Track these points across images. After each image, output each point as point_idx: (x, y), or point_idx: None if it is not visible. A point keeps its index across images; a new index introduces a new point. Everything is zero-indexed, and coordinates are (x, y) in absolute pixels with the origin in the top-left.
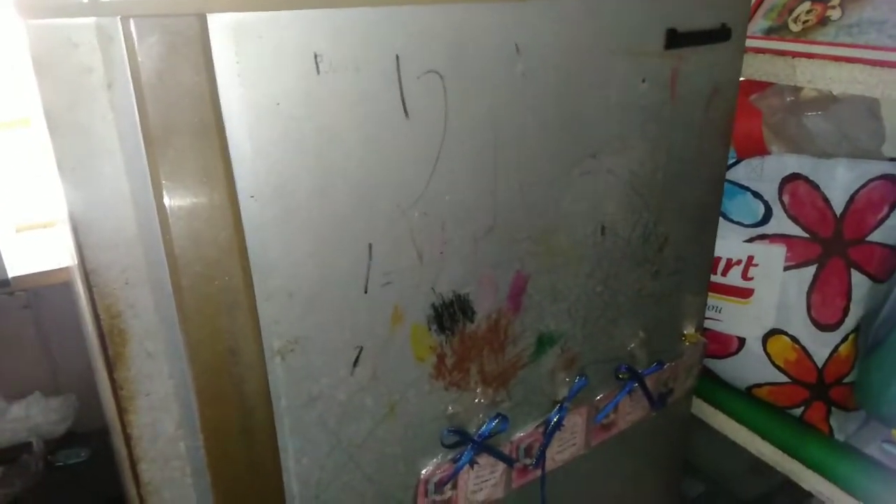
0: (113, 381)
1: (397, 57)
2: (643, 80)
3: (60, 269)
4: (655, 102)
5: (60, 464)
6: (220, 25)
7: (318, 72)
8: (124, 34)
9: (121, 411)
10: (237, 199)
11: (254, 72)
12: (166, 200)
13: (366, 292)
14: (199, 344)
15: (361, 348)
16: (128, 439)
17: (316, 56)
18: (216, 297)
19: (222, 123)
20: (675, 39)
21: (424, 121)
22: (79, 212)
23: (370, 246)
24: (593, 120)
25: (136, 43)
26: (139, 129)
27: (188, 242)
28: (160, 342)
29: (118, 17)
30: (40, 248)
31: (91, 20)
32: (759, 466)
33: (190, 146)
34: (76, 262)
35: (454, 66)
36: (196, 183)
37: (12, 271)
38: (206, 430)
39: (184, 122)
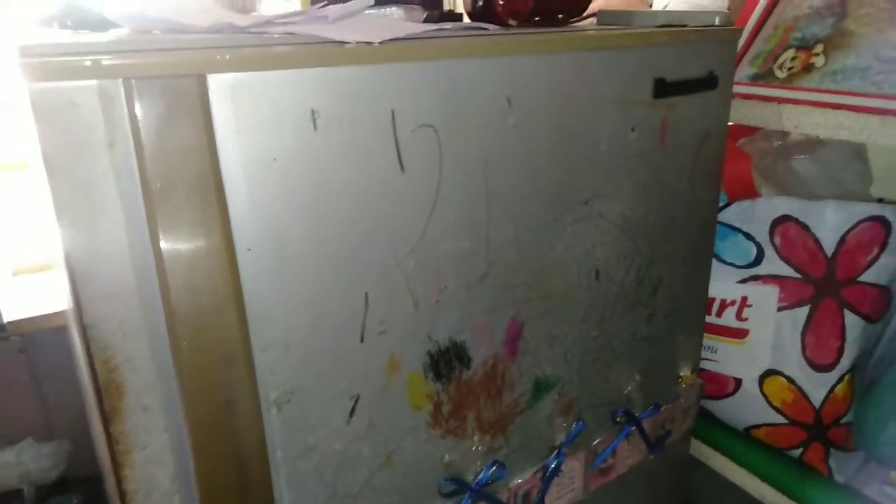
0: (109, 435)
1: (392, 112)
2: (632, 129)
3: (56, 314)
4: (645, 149)
5: None
6: (219, 85)
7: (315, 128)
8: (125, 95)
9: (116, 466)
10: (234, 250)
11: (252, 128)
12: (164, 253)
13: (362, 341)
14: (196, 396)
15: (358, 397)
16: (123, 495)
17: (313, 112)
18: (213, 348)
19: (220, 178)
20: (664, 89)
21: (419, 173)
22: (77, 264)
23: (366, 295)
24: (584, 168)
25: (136, 103)
26: (139, 184)
27: (185, 294)
28: (156, 395)
29: (119, 80)
30: (36, 292)
31: (93, 83)
32: None
33: (188, 200)
34: (73, 312)
35: (448, 119)
36: (194, 235)
37: (8, 315)
38: (202, 485)
39: (182, 177)
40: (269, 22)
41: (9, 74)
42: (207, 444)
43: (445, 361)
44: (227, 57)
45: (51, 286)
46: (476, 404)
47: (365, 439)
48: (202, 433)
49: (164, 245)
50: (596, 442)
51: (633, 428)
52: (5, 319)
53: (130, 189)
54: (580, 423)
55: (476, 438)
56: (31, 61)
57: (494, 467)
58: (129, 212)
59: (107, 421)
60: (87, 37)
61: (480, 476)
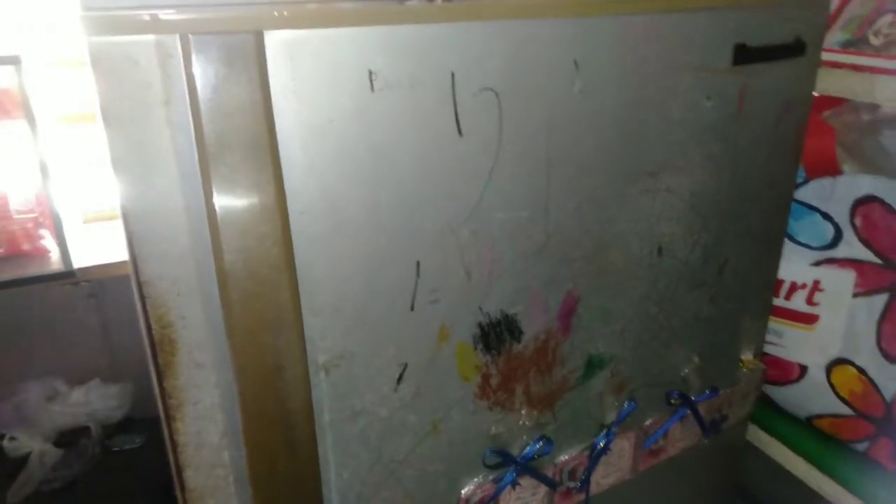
0: (162, 389)
1: (452, 74)
2: (708, 98)
3: (122, 263)
4: (721, 120)
5: (117, 449)
6: (277, 42)
7: (373, 89)
8: (182, 51)
9: (168, 419)
10: (287, 214)
11: (308, 89)
12: (218, 214)
13: (412, 309)
14: (246, 359)
15: (406, 365)
16: (174, 446)
17: (370, 73)
18: (264, 312)
19: (275, 140)
20: (745, 55)
21: (478, 139)
22: (133, 222)
23: (418, 263)
24: (653, 138)
25: (193, 60)
26: (194, 144)
27: (238, 257)
28: (208, 353)
29: (177, 35)
30: (106, 240)
31: (150, 38)
32: (812, 497)
33: (243, 162)
34: (130, 267)
35: (510, 83)
36: (248, 198)
37: (78, 262)
38: (250, 444)
39: (238, 138)
40: None
41: (73, 27)
42: (256, 405)
43: (496, 334)
44: (285, 13)
45: (118, 235)
46: (525, 378)
47: (411, 407)
48: (251, 395)
49: (217, 205)
50: (648, 422)
51: (688, 411)
52: (75, 266)
53: (186, 147)
54: (632, 402)
55: (524, 412)
56: (91, 14)
57: (541, 442)
58: (185, 171)
59: (160, 375)
60: None
61: (527, 450)
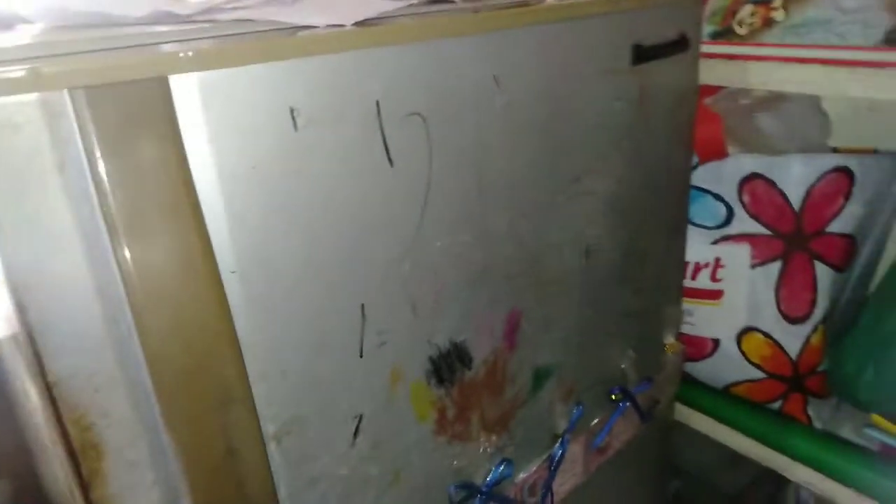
0: (89, 501)
1: (377, 102)
2: (617, 99)
3: None
4: (629, 119)
5: None
6: (184, 87)
7: (296, 128)
8: (73, 109)
9: None
10: (219, 277)
11: (226, 135)
12: (139, 290)
13: (361, 356)
14: (193, 449)
15: (361, 416)
16: None
17: (292, 111)
18: (208, 390)
19: (196, 196)
20: (641, 54)
21: (409, 167)
22: (33, 316)
23: (363, 306)
24: (575, 144)
25: (87, 117)
26: (99, 213)
27: (169, 334)
28: (141, 450)
29: (65, 90)
30: None
31: (33, 96)
32: (736, 457)
33: (160, 226)
34: (27, 366)
35: (435, 105)
36: (171, 266)
37: None
38: None
39: (150, 199)
40: (217, 8)
41: None
42: (211, 495)
43: (447, 365)
44: (190, 54)
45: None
46: (479, 404)
47: (371, 459)
48: (204, 484)
49: (137, 279)
50: (594, 422)
51: (629, 403)
52: None
53: (89, 218)
54: (580, 406)
55: (482, 439)
56: None
57: (503, 465)
58: (91, 245)
59: (86, 486)
60: (13, 37)
61: (489, 477)
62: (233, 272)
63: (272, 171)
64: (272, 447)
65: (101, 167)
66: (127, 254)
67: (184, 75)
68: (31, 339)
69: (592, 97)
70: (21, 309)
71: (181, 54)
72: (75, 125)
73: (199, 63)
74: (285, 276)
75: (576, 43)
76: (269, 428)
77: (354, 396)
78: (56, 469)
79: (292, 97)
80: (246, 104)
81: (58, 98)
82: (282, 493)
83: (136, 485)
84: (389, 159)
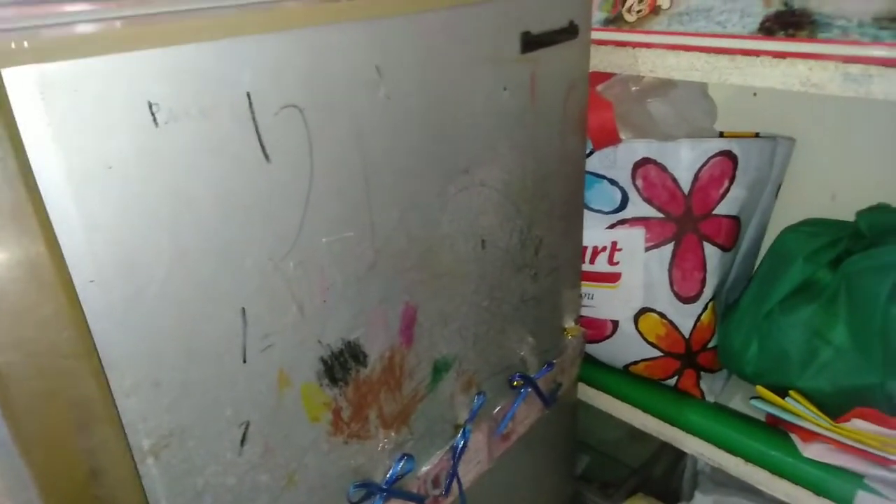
0: None
1: (248, 94)
2: (504, 88)
3: None
4: (518, 108)
5: None
6: (22, 80)
7: (157, 123)
8: None
9: None
10: (73, 287)
11: (73, 132)
12: None
13: (245, 361)
14: (51, 475)
15: (248, 423)
16: None
17: (151, 105)
18: (64, 413)
19: (41, 200)
20: (530, 42)
21: (287, 161)
22: None
23: (243, 310)
24: (462, 135)
25: None
26: None
27: (16, 355)
28: None
29: None
30: None
31: None
32: (637, 432)
33: (4, 238)
34: None
35: (313, 96)
36: (16, 279)
37: None
38: None
39: None
40: None
41: None
42: None
43: (340, 364)
44: (26, 44)
45: None
46: (377, 401)
47: (262, 466)
48: None
49: None
50: (496, 410)
51: (530, 389)
52: None
53: None
54: (481, 395)
55: (381, 436)
56: None
57: (403, 461)
58: None
59: None
60: None
61: (389, 473)
62: (91, 281)
63: (131, 171)
64: (149, 462)
65: None
66: None
67: (20, 67)
68: None
69: (480, 86)
70: None
71: (13, 44)
72: None
73: (38, 54)
74: (152, 282)
75: (462, 31)
76: (143, 443)
77: (239, 403)
78: None
79: (151, 90)
80: (97, 99)
81: None
82: None
83: None
84: (265, 154)
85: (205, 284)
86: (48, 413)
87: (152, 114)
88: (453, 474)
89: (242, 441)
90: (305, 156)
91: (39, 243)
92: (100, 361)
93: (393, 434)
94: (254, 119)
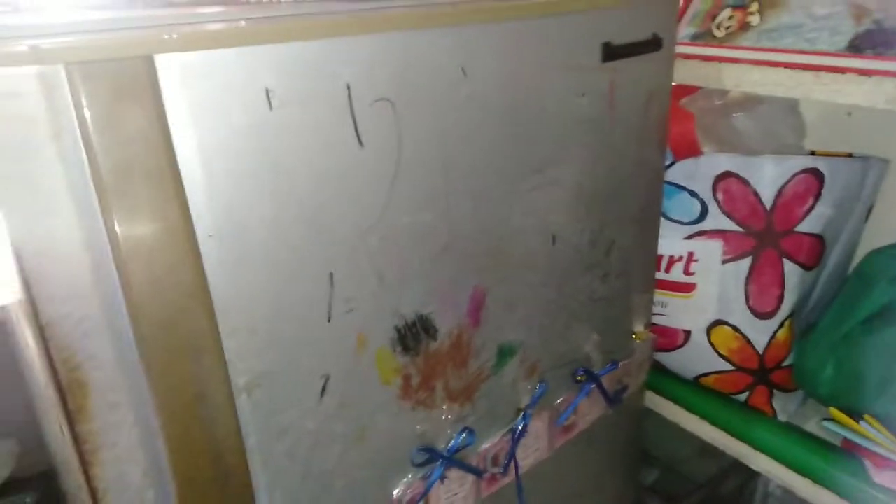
0: (75, 433)
1: (348, 86)
2: (583, 94)
3: None
4: (595, 114)
5: None
6: (169, 66)
7: (271, 107)
8: (69, 82)
9: (85, 465)
10: (196, 239)
11: (205, 111)
12: (123, 246)
13: (329, 321)
14: (166, 391)
15: (328, 377)
16: (94, 493)
17: (267, 92)
18: (181, 341)
19: (177, 165)
20: (611, 53)
21: (378, 148)
22: (29, 263)
23: (331, 275)
24: (537, 136)
25: (81, 90)
26: (89, 176)
27: (148, 287)
28: (123, 392)
29: (61, 65)
30: None
31: (33, 69)
32: (709, 449)
33: (144, 191)
34: (23, 310)
35: (404, 92)
36: (153, 227)
37: None
38: (179, 477)
39: (136, 167)
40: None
41: None
42: (181, 438)
43: (413, 335)
44: (175, 36)
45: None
46: (444, 374)
47: (337, 417)
48: (175, 427)
49: (122, 238)
50: (559, 401)
51: (593, 385)
52: None
53: (81, 182)
54: (543, 384)
55: (445, 407)
56: None
57: (464, 434)
58: (82, 206)
59: (72, 420)
60: (21, 18)
61: (451, 443)
62: (210, 235)
63: (248, 146)
64: (243, 398)
65: (92, 136)
66: (114, 215)
67: (169, 55)
68: (26, 285)
69: (558, 91)
70: (19, 259)
71: (165, 36)
72: (69, 97)
73: (183, 45)
74: (258, 242)
75: (545, 39)
76: (239, 380)
77: (322, 358)
78: (48, 409)
79: (268, 79)
80: (225, 84)
81: (54, 72)
82: (251, 441)
83: (117, 423)
84: (359, 140)
85: (299, 249)
86: (168, 340)
87: (268, 99)
88: (511, 455)
89: (322, 392)
90: (394, 144)
91: (173, 200)
92: (211, 303)
93: (457, 407)
94: (351, 108)
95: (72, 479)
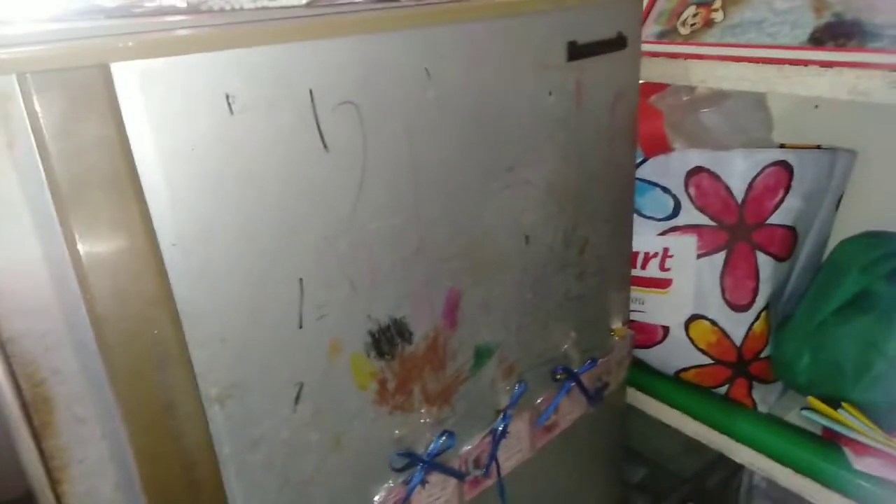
0: (42, 451)
1: (311, 91)
2: (550, 93)
3: None
4: (563, 113)
5: None
6: (125, 74)
7: (232, 112)
8: (22, 92)
9: (53, 482)
10: (159, 248)
11: (165, 118)
12: (83, 258)
13: (301, 328)
14: (133, 403)
15: (302, 385)
16: None
17: (228, 97)
18: (146, 352)
19: (136, 173)
20: (576, 52)
21: (344, 152)
22: None
23: (301, 281)
24: (506, 135)
25: (34, 100)
26: (46, 187)
27: (111, 299)
28: (90, 405)
29: (13, 75)
30: None
31: None
32: (694, 444)
33: (104, 200)
34: None
35: (368, 95)
36: (114, 237)
37: None
38: (150, 491)
39: (95, 176)
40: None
41: None
42: (151, 450)
43: (387, 339)
44: (130, 44)
45: None
46: (421, 377)
47: (312, 425)
48: (144, 439)
49: (82, 249)
50: (539, 401)
51: (573, 384)
52: None
53: (38, 193)
54: (522, 384)
55: (423, 411)
56: None
57: (444, 437)
58: (40, 217)
59: (38, 437)
60: None
61: (431, 447)
62: (173, 244)
63: (210, 152)
64: (215, 409)
65: (48, 145)
66: (73, 226)
67: (125, 63)
68: None
69: (525, 91)
70: None
71: (120, 44)
72: (23, 106)
73: (140, 52)
74: (223, 250)
75: (509, 38)
76: (210, 391)
77: (295, 365)
78: (17, 426)
79: (228, 84)
80: (184, 90)
81: (7, 81)
82: (225, 452)
83: (85, 438)
84: (324, 144)
85: (268, 255)
86: (133, 350)
87: (229, 104)
88: (493, 457)
89: (296, 400)
90: (359, 147)
91: (134, 209)
92: (177, 312)
93: (435, 410)
94: (315, 113)
95: (43, 497)
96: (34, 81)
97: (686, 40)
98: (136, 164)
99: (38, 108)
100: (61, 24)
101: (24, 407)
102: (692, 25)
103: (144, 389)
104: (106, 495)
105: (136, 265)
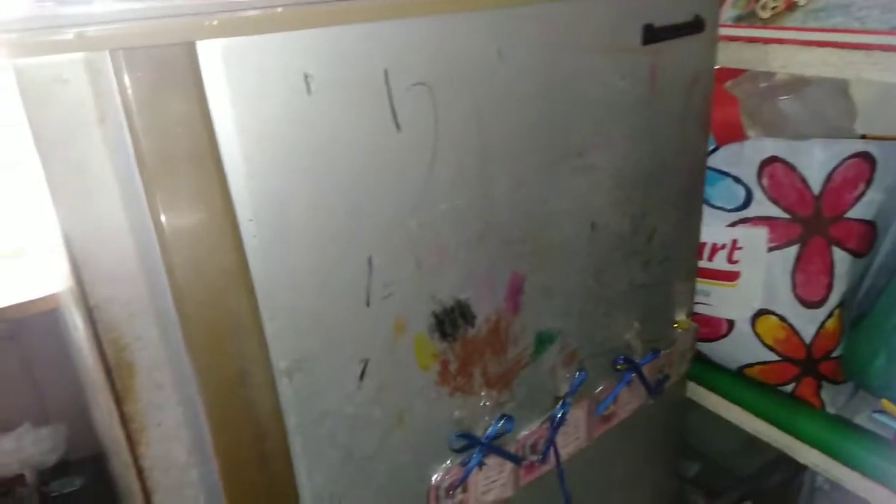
0: (122, 413)
1: (385, 71)
2: (622, 77)
3: (43, 298)
4: (635, 97)
5: (55, 494)
6: (209, 52)
7: (310, 91)
8: (113, 67)
9: (132, 444)
10: (237, 222)
11: (245, 96)
12: (166, 230)
13: (368, 305)
14: (208, 370)
15: (367, 361)
16: (140, 471)
17: (306, 76)
18: (222, 321)
19: (217, 149)
20: (652, 35)
21: (415, 132)
22: (77, 246)
23: (370, 259)
24: (576, 119)
25: (125, 75)
26: (133, 160)
27: (190, 270)
28: (168, 372)
29: (106, 51)
30: (16, 278)
31: (79, 55)
32: (754, 443)
33: (186, 174)
34: (73, 294)
35: (440, 76)
36: (195, 210)
37: None
38: (221, 456)
39: (178, 150)
40: None
41: None
42: (223, 416)
43: (450, 320)
44: (215, 23)
45: (35, 271)
46: (482, 361)
47: (376, 401)
48: (217, 406)
49: (164, 221)
50: (598, 390)
51: (634, 374)
52: None
53: (126, 165)
54: (582, 372)
55: (483, 394)
56: (12, 36)
57: (503, 421)
58: (127, 189)
59: (119, 400)
60: (69, 8)
61: (489, 430)
62: (249, 220)
63: (287, 130)
64: (284, 382)
65: (136, 120)
66: (158, 199)
67: (209, 41)
68: (75, 268)
69: (598, 74)
70: (67, 243)
71: (206, 23)
72: (114, 82)
73: (223, 31)
74: (297, 227)
75: (583, 20)
76: (280, 363)
77: (361, 341)
78: (98, 390)
79: (307, 64)
80: (265, 69)
81: (100, 58)
82: (292, 423)
83: (162, 403)
84: (397, 124)
85: (339, 232)
86: (209, 319)
87: (307, 83)
88: (550, 443)
89: (362, 376)
90: (431, 128)
91: (214, 184)
92: (251, 285)
93: (495, 393)
94: (389, 93)
95: (120, 458)
96: (125, 58)
97: (766, 24)
98: (218, 140)
99: (128, 83)
100: (140, 2)
101: (108, 371)
102: (773, 9)
103: (219, 358)
104: (180, 459)
105: (215, 238)
